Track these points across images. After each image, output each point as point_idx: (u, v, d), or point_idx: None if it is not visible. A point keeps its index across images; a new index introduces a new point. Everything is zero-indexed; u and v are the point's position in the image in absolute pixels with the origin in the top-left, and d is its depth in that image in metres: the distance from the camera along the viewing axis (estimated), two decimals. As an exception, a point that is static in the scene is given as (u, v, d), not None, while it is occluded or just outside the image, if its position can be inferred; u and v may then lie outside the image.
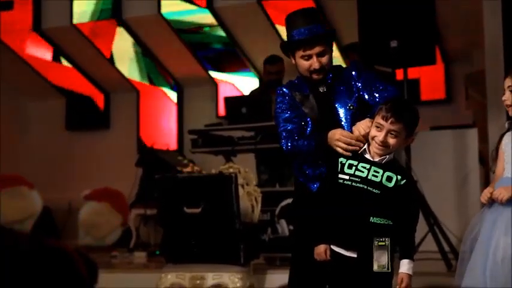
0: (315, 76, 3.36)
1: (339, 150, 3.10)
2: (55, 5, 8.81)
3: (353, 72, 3.41)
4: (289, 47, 3.41)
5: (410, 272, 2.99)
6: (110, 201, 8.27)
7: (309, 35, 3.31)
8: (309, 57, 3.34)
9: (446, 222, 5.52)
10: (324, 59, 3.35)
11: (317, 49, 3.32)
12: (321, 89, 3.38)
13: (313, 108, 3.36)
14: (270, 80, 6.51)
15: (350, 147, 3.09)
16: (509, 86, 3.17)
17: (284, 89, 3.45)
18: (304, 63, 3.36)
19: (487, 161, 4.60)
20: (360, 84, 3.37)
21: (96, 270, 1.42)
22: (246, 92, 8.95)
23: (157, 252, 6.71)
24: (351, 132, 3.16)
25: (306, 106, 3.38)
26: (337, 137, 3.13)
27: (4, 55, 9.16)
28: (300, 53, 3.35)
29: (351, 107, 3.33)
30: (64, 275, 1.34)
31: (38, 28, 8.93)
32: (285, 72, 6.52)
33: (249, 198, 5.06)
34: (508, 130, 3.22)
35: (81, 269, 1.36)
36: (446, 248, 5.29)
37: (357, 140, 3.09)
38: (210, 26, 8.76)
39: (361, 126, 3.12)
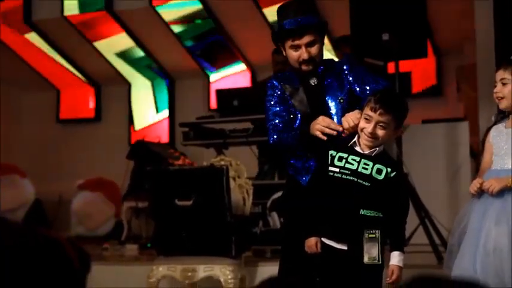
0: (304, 67, 3.33)
1: (317, 133, 3.11)
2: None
3: (345, 66, 3.38)
4: (279, 36, 3.39)
5: (400, 264, 3.00)
6: (104, 191, 8.25)
7: (297, 25, 3.27)
8: (298, 47, 3.30)
9: (437, 215, 5.54)
10: (313, 50, 3.30)
11: (306, 39, 3.28)
12: (311, 82, 3.35)
13: (302, 102, 3.34)
14: (277, 70, 6.47)
15: (326, 130, 3.09)
16: (501, 79, 3.18)
17: (274, 82, 3.42)
18: (293, 54, 3.32)
19: (478, 154, 4.62)
20: (351, 78, 3.34)
21: (89, 260, 1.42)
22: (238, 84, 8.94)
23: (149, 245, 6.70)
24: (341, 124, 3.16)
25: (295, 99, 3.35)
26: (318, 121, 3.13)
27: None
28: (289, 43, 3.31)
29: (342, 100, 3.30)
30: (57, 264, 1.34)
31: (29, 20, 8.88)
32: None
33: (241, 191, 5.05)
34: (495, 123, 3.23)
35: (73, 258, 1.36)
36: (437, 240, 5.31)
37: (337, 126, 3.10)
38: (202, 18, 8.75)
39: (350, 117, 3.12)
